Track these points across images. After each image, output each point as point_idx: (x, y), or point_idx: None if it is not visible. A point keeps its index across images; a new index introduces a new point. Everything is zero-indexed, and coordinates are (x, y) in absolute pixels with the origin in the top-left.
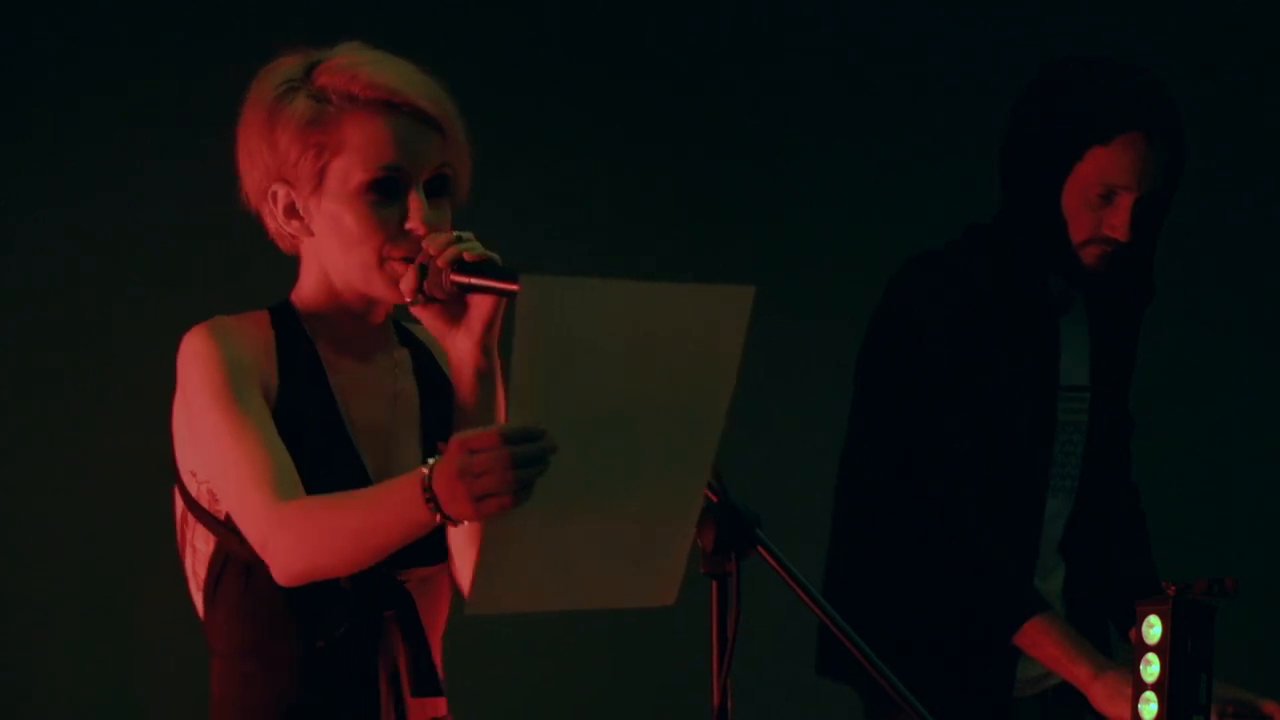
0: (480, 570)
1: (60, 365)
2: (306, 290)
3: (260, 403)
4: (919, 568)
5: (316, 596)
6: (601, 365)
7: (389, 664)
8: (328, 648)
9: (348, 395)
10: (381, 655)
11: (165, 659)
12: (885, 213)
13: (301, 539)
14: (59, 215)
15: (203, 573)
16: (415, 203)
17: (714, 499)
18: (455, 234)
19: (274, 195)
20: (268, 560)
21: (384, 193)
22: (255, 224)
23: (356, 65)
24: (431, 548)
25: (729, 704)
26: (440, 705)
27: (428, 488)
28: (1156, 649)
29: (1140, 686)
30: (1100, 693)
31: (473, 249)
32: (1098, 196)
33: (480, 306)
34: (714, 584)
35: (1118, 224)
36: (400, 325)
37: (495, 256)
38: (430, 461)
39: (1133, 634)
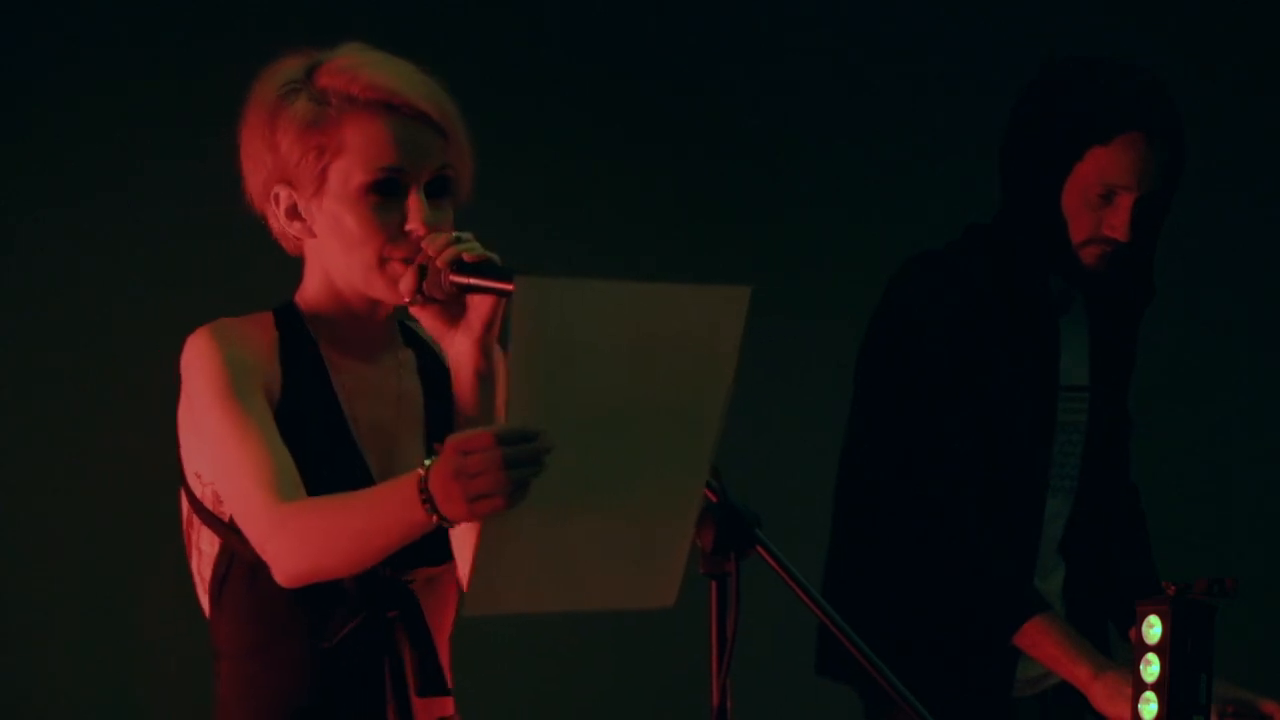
0: (477, 571)
1: (60, 365)
2: (310, 291)
3: (263, 404)
4: (919, 568)
5: (321, 597)
6: (598, 366)
7: (394, 664)
8: (333, 648)
9: (351, 396)
10: (386, 656)
11: (165, 659)
12: (885, 213)
13: (301, 540)
14: (59, 215)
15: (208, 574)
16: (415, 204)
17: (714, 499)
18: (454, 234)
19: (276, 197)
20: (268, 561)
21: (385, 194)
22: (255, 224)
23: (357, 67)
24: (438, 547)
25: (728, 704)
26: (448, 705)
27: (424, 489)
28: (1156, 649)
29: (1140, 686)
30: (1100, 693)
31: (472, 249)
32: (1098, 196)
33: (479, 307)
34: (713, 584)
35: (1118, 224)
36: (405, 325)
37: (494, 257)
38: (426, 463)
39: (1133, 634)
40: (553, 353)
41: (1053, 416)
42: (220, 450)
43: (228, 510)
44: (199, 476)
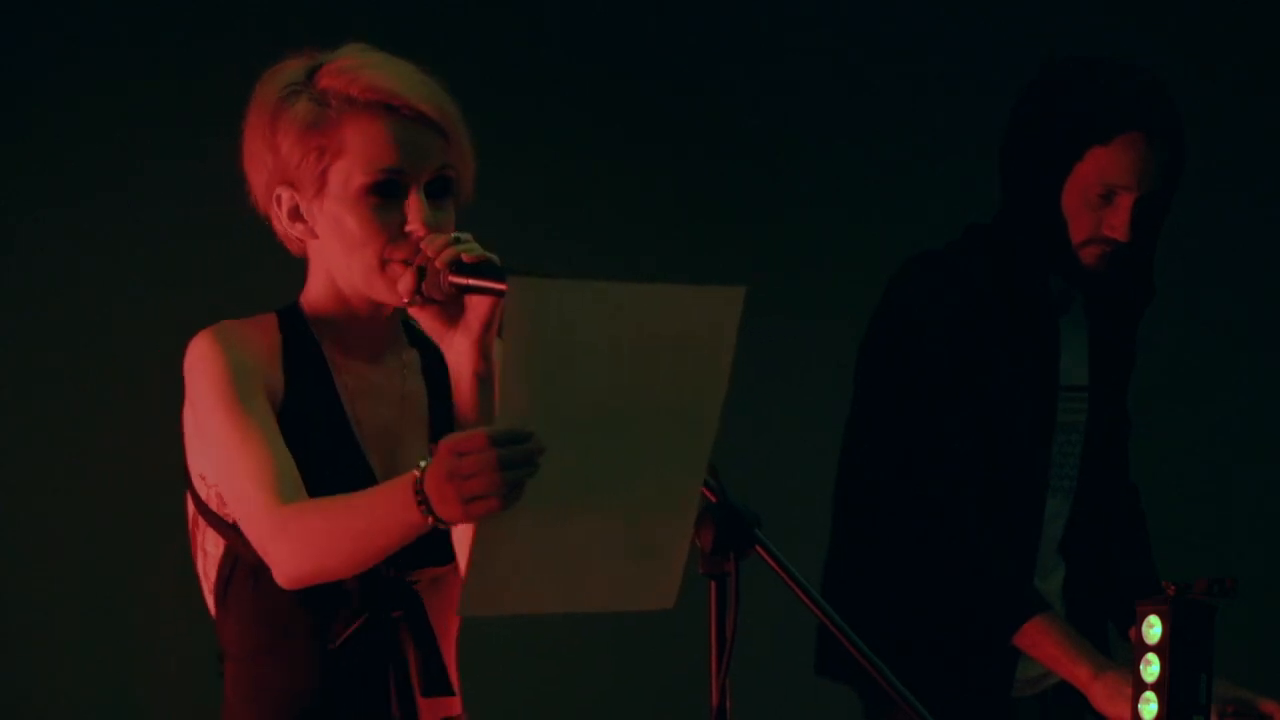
0: (471, 571)
1: (60, 365)
2: (313, 292)
3: (265, 406)
4: (919, 568)
5: (325, 598)
6: (592, 366)
7: (398, 665)
8: (338, 649)
9: (354, 397)
10: (391, 656)
11: (165, 659)
12: (885, 213)
13: (300, 542)
14: (59, 215)
15: (213, 575)
16: (415, 205)
17: (713, 499)
18: (453, 235)
19: (278, 198)
20: (269, 564)
21: (385, 195)
22: (255, 224)
23: (357, 68)
24: (443, 547)
25: (728, 704)
26: (454, 705)
27: (419, 490)
28: (1156, 649)
29: (1140, 686)
30: (1100, 693)
31: (471, 250)
32: (1098, 197)
33: (478, 308)
34: (713, 584)
35: (1118, 224)
36: (410, 326)
37: (494, 257)
38: (422, 464)
39: (1133, 634)
40: (546, 353)
41: (1052, 416)
42: (223, 453)
43: (232, 512)
44: (203, 478)
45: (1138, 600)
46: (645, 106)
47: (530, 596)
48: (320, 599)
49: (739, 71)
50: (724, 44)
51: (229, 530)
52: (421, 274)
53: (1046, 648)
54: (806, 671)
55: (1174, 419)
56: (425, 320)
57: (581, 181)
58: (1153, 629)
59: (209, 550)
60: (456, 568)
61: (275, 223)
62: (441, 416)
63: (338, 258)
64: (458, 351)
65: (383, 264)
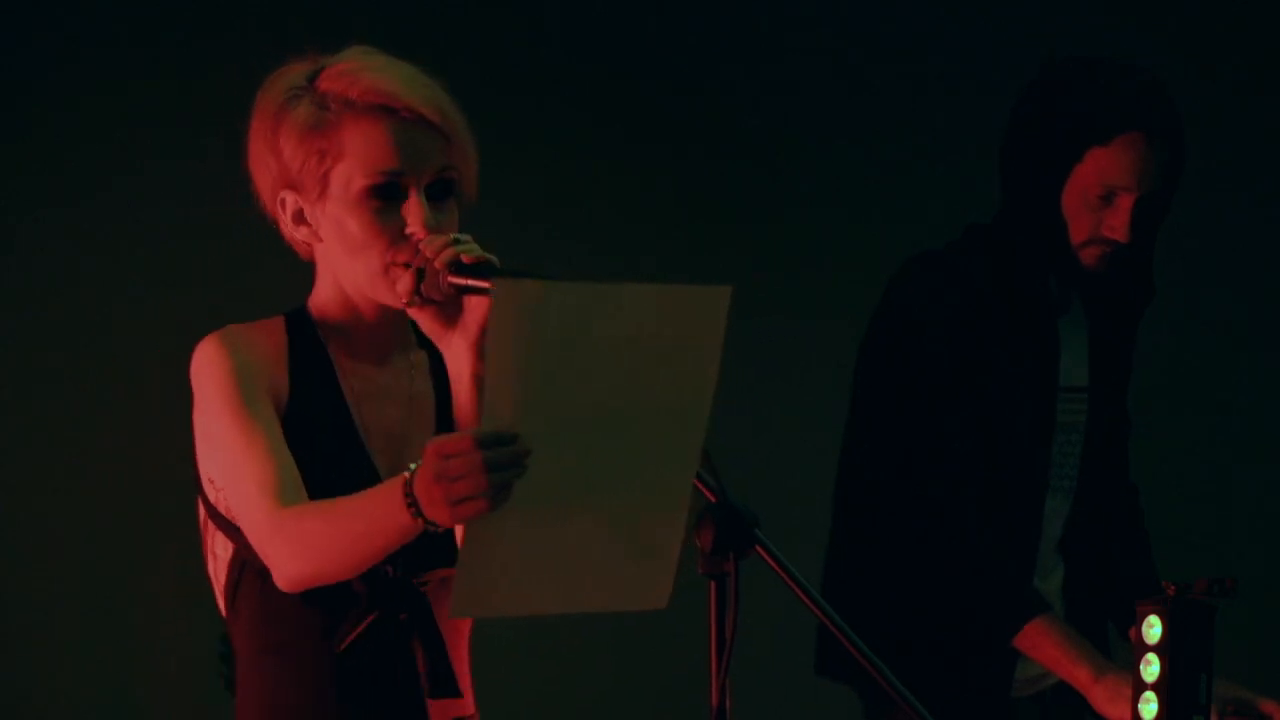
0: (461, 572)
1: (60, 365)
2: (321, 295)
3: (269, 410)
4: (919, 568)
5: (334, 600)
6: (578, 367)
7: (406, 666)
8: (346, 651)
9: (360, 399)
10: (398, 658)
11: (165, 659)
12: (885, 213)
13: (297, 544)
14: (59, 215)
15: (223, 578)
16: (415, 207)
17: (713, 499)
18: (453, 236)
19: (283, 202)
20: (269, 566)
21: (385, 198)
22: (255, 224)
23: (357, 71)
24: (453, 549)
25: (728, 704)
26: (467, 705)
27: (409, 492)
28: (1156, 649)
29: (1140, 686)
30: (1101, 695)
31: (470, 251)
32: (1097, 197)
33: (476, 309)
34: (712, 584)
35: (1117, 225)
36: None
37: (493, 258)
38: (412, 466)
39: (1133, 634)
40: (532, 354)
41: (1052, 417)
42: (227, 456)
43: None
44: (212, 482)
45: (1138, 600)
46: (645, 106)
47: (521, 597)
48: (328, 601)
49: (739, 71)
50: (724, 44)
51: (237, 534)
52: (420, 275)
53: (1047, 649)
54: (806, 671)
55: (1174, 419)
56: (424, 321)
57: (581, 181)
58: (1153, 629)
59: (218, 553)
60: None
61: (282, 227)
62: (449, 418)
63: (341, 261)
64: (456, 353)
65: (385, 266)
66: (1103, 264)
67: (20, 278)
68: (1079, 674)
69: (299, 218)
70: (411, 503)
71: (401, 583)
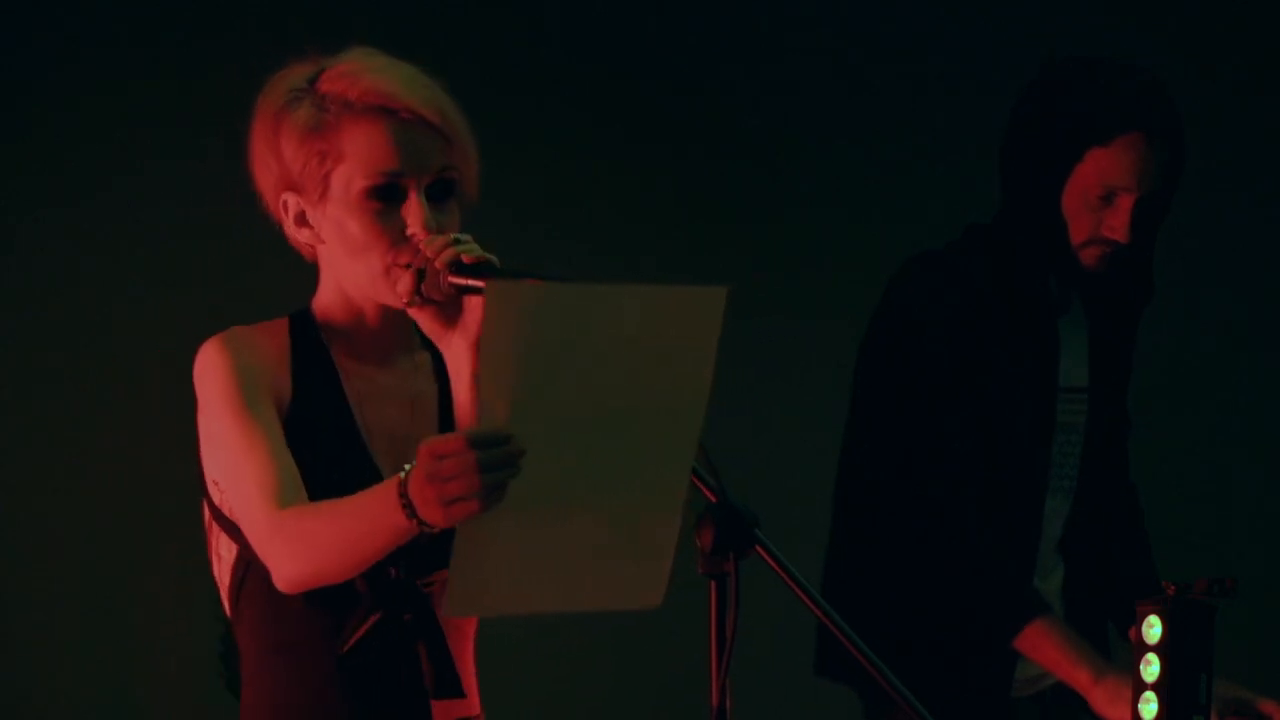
0: (455, 572)
1: (60, 365)
2: (324, 297)
3: (271, 412)
4: (919, 568)
5: (337, 601)
6: (573, 367)
7: (410, 667)
8: (350, 651)
9: (363, 400)
10: (402, 658)
11: (165, 659)
12: (885, 213)
13: (296, 544)
14: (59, 215)
15: (227, 579)
16: (415, 207)
17: (713, 499)
18: (453, 236)
19: (285, 204)
20: (268, 567)
21: (386, 199)
22: (255, 224)
23: (357, 72)
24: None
25: (728, 704)
26: (473, 705)
27: (403, 493)
28: (1156, 649)
29: (1140, 686)
30: (1101, 697)
31: (470, 251)
32: (1097, 198)
33: (476, 310)
34: (713, 584)
35: (1117, 225)
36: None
37: (493, 259)
38: (407, 467)
39: (1133, 634)
40: (527, 355)
41: (1052, 417)
42: (228, 458)
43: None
44: (216, 484)
45: (1138, 600)
46: (645, 106)
47: (516, 597)
48: (333, 602)
49: (739, 71)
50: (724, 44)
51: (240, 535)
52: (421, 275)
53: (1047, 651)
54: (806, 671)
55: (1174, 419)
56: (424, 321)
57: (581, 181)
58: (1153, 629)
59: (222, 554)
60: None
61: (285, 228)
62: (452, 419)
63: (343, 262)
64: (456, 353)
65: (386, 268)
66: (1103, 264)
67: (20, 278)
68: (1079, 676)
69: (301, 220)
70: (406, 504)
71: (405, 584)
